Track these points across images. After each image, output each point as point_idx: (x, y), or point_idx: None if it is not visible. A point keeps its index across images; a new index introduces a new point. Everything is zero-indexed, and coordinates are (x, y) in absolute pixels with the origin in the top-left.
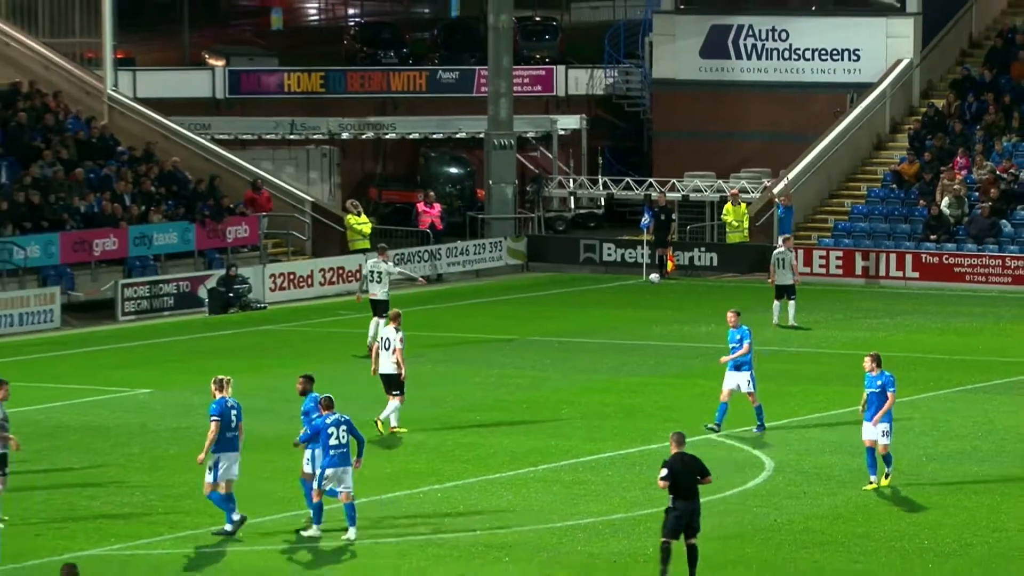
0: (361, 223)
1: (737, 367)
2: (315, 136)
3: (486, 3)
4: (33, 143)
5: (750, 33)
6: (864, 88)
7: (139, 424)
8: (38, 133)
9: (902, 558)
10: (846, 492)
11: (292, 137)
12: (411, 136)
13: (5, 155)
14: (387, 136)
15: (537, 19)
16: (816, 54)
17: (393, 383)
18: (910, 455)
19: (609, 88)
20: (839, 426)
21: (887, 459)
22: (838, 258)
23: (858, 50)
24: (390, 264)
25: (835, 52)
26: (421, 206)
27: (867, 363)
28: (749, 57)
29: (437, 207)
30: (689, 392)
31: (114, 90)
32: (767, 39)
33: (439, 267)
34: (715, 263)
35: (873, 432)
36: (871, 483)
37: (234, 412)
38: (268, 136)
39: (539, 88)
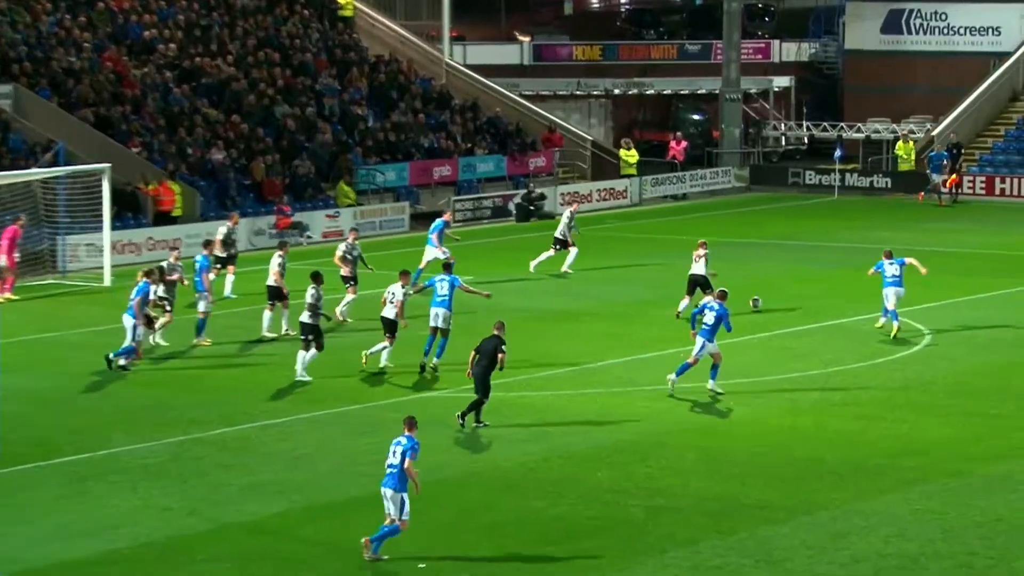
0: (629, 155)
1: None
2: (595, 92)
3: None
4: (391, 97)
5: (918, 15)
6: (1004, 55)
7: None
8: (395, 90)
9: None
10: (986, 355)
11: (578, 93)
12: (665, 92)
13: (371, 106)
14: (647, 92)
15: (759, 5)
16: (967, 30)
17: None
18: None
19: (812, 56)
20: (981, 306)
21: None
22: (983, 182)
23: (999, 27)
24: (568, 214)
25: (982, 29)
26: (672, 143)
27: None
28: (917, 33)
29: (683, 144)
30: (869, 281)
31: (450, 59)
32: (930, 19)
33: (684, 188)
34: (889, 185)
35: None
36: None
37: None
38: (560, 92)
39: (760, 56)
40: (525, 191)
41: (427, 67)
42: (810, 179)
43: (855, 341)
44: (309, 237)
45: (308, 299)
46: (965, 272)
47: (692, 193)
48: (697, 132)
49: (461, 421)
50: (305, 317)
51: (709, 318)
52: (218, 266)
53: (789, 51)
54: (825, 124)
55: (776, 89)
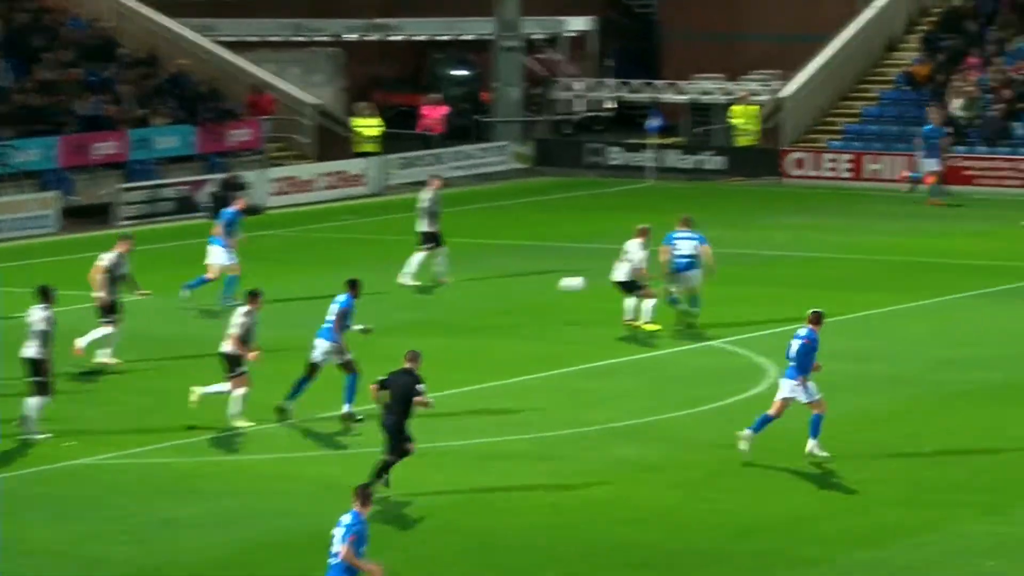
0: (368, 126)
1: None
2: (320, 38)
3: None
4: (32, 45)
5: None
6: None
7: (135, 329)
8: (38, 34)
9: (906, 465)
10: (850, 398)
11: (296, 39)
12: (417, 38)
13: (5, 57)
14: (393, 38)
15: None
16: None
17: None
18: (916, 363)
19: None
20: (845, 331)
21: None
22: (849, 161)
23: None
24: (431, 196)
25: None
26: (426, 109)
27: None
28: None
29: (441, 109)
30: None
31: None
32: None
33: (443, 171)
34: (724, 166)
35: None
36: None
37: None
38: (272, 38)
39: None
40: (225, 177)
41: (84, 3)
42: (615, 158)
43: (677, 381)
44: None
45: (38, 325)
46: (824, 285)
47: (455, 178)
48: (461, 94)
49: (384, 483)
50: (32, 351)
51: (795, 349)
52: None
53: None
54: (636, 83)
55: (570, 34)
